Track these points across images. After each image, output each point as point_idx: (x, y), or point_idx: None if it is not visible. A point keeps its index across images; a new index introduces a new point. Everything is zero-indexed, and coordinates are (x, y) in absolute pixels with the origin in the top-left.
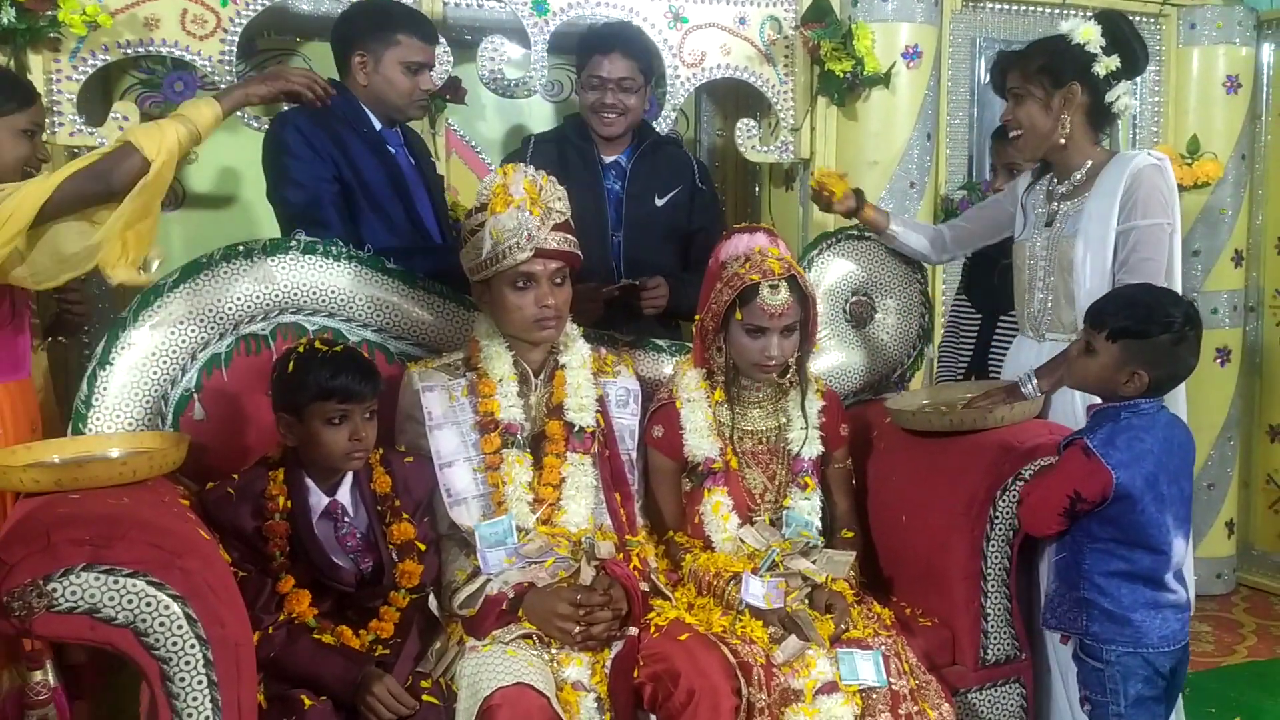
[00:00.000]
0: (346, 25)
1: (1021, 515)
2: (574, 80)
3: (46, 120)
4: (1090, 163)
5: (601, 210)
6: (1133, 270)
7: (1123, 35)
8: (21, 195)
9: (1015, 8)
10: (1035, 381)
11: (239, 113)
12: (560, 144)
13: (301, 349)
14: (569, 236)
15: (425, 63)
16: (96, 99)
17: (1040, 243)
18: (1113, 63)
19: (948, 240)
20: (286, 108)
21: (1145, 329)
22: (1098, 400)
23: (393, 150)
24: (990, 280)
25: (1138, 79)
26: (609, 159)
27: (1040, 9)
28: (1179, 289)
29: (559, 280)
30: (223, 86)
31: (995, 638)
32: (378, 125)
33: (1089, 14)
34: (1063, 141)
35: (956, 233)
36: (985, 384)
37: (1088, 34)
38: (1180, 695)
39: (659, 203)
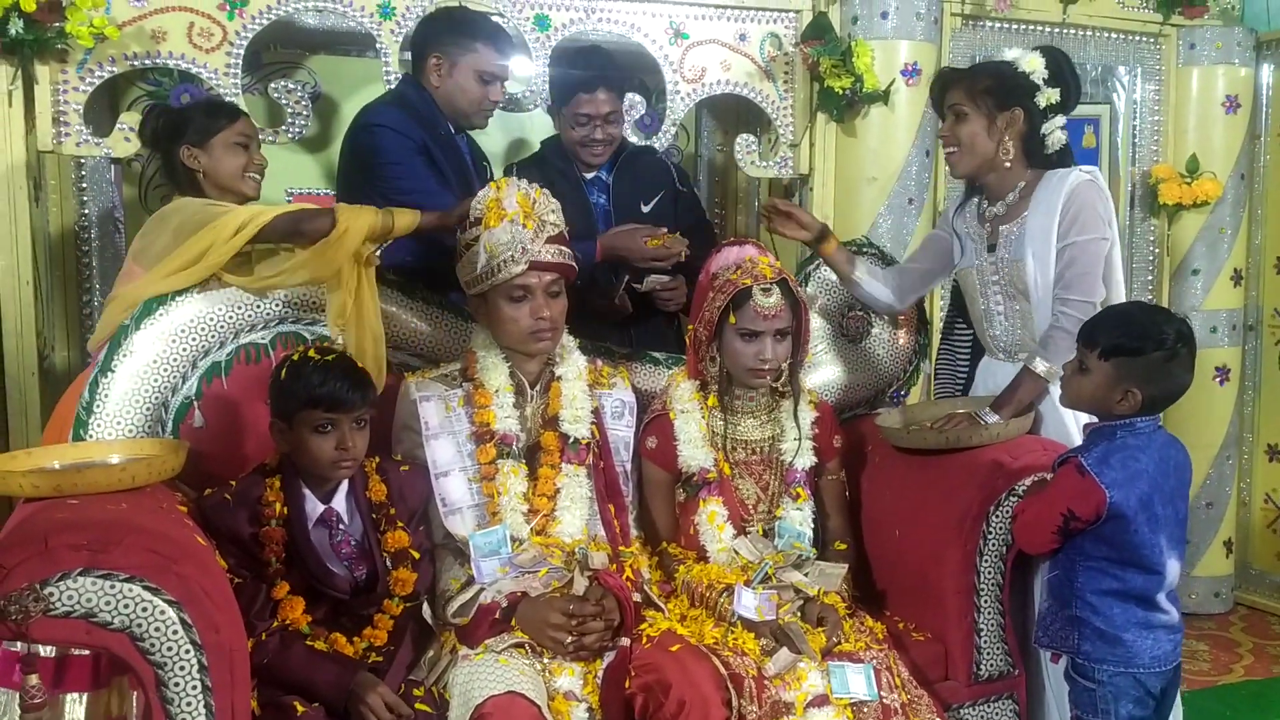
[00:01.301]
0: (428, 26)
1: (1015, 532)
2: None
3: (55, 132)
4: (1023, 183)
5: (591, 225)
6: (1070, 286)
7: (1062, 71)
8: (251, 213)
9: (1014, 26)
10: (994, 417)
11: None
12: (541, 167)
13: (296, 356)
14: (563, 248)
15: (498, 75)
16: (104, 110)
17: (987, 268)
18: (1054, 95)
19: (908, 286)
20: (367, 104)
21: (1138, 346)
22: (1094, 418)
23: (463, 152)
24: None
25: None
26: (590, 175)
27: (1039, 28)
28: (1121, 299)
29: (554, 292)
30: (228, 99)
31: (988, 653)
32: (450, 127)
33: (1035, 48)
34: (1007, 165)
35: (912, 277)
36: (961, 401)
37: (1033, 64)
38: (1172, 715)
39: (645, 210)
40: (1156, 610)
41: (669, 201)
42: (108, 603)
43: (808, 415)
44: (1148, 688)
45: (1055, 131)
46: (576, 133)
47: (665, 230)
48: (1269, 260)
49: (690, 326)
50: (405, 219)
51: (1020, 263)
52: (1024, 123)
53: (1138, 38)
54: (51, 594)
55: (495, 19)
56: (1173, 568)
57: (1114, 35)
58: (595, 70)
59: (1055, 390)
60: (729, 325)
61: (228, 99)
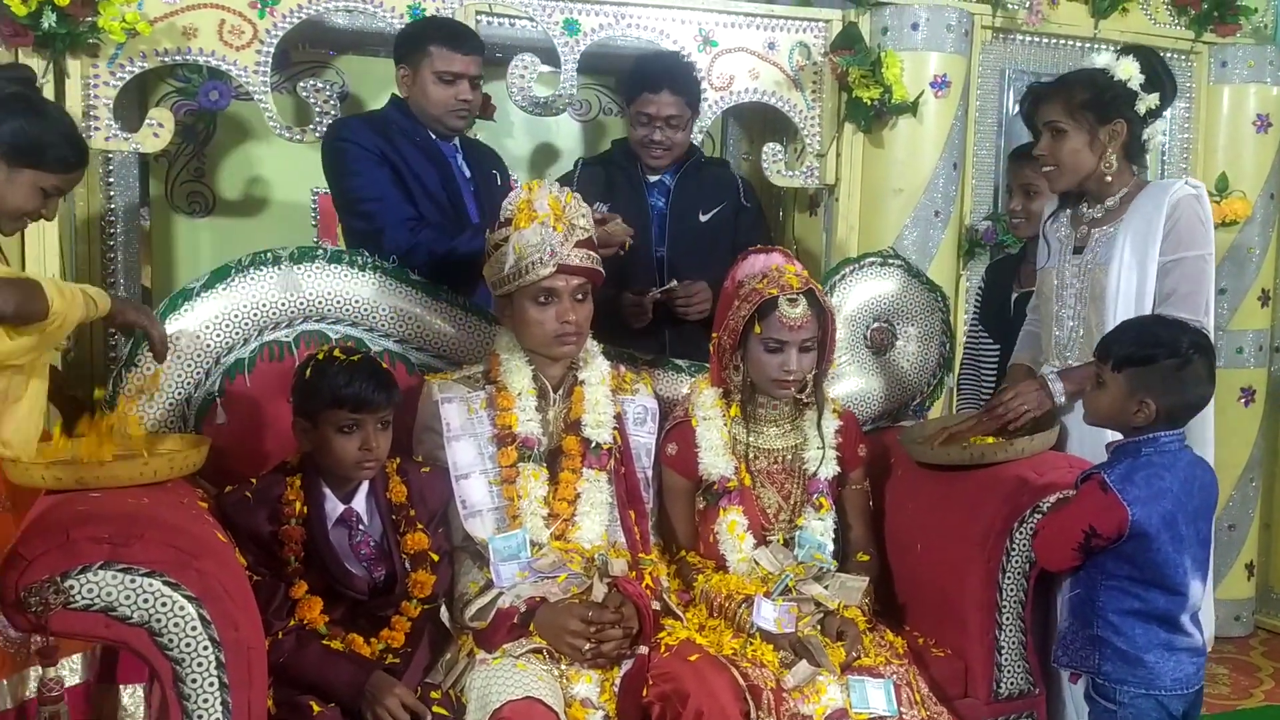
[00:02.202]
0: (396, 42)
1: (1036, 548)
2: (602, 101)
3: (85, 126)
4: (1125, 190)
5: (646, 227)
6: (1180, 303)
7: (1157, 73)
8: None
9: (1045, 40)
10: (1061, 385)
11: (274, 124)
12: (607, 166)
13: (321, 355)
14: (591, 253)
15: (460, 73)
16: (133, 105)
17: (1069, 270)
18: (1152, 100)
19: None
20: (339, 118)
21: (1149, 355)
22: (1119, 436)
23: (448, 158)
24: (1006, 311)
25: (1166, 114)
26: (654, 178)
27: (1071, 43)
28: (1213, 318)
29: (580, 296)
30: (256, 97)
31: (1009, 671)
32: (432, 135)
33: (1118, 49)
34: (1109, 178)
35: (1039, 318)
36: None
37: (1128, 70)
38: None
39: (703, 218)
40: (1180, 632)
41: (729, 214)
42: (127, 597)
43: (831, 424)
44: (1169, 710)
45: (1156, 136)
46: (638, 132)
47: (618, 218)
48: None
49: (714, 335)
50: (104, 303)
51: (1105, 267)
52: (1126, 133)
53: (1169, 54)
54: (71, 587)
55: (524, 23)
56: (1195, 589)
57: None
58: (665, 73)
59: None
60: (754, 335)
61: (256, 97)
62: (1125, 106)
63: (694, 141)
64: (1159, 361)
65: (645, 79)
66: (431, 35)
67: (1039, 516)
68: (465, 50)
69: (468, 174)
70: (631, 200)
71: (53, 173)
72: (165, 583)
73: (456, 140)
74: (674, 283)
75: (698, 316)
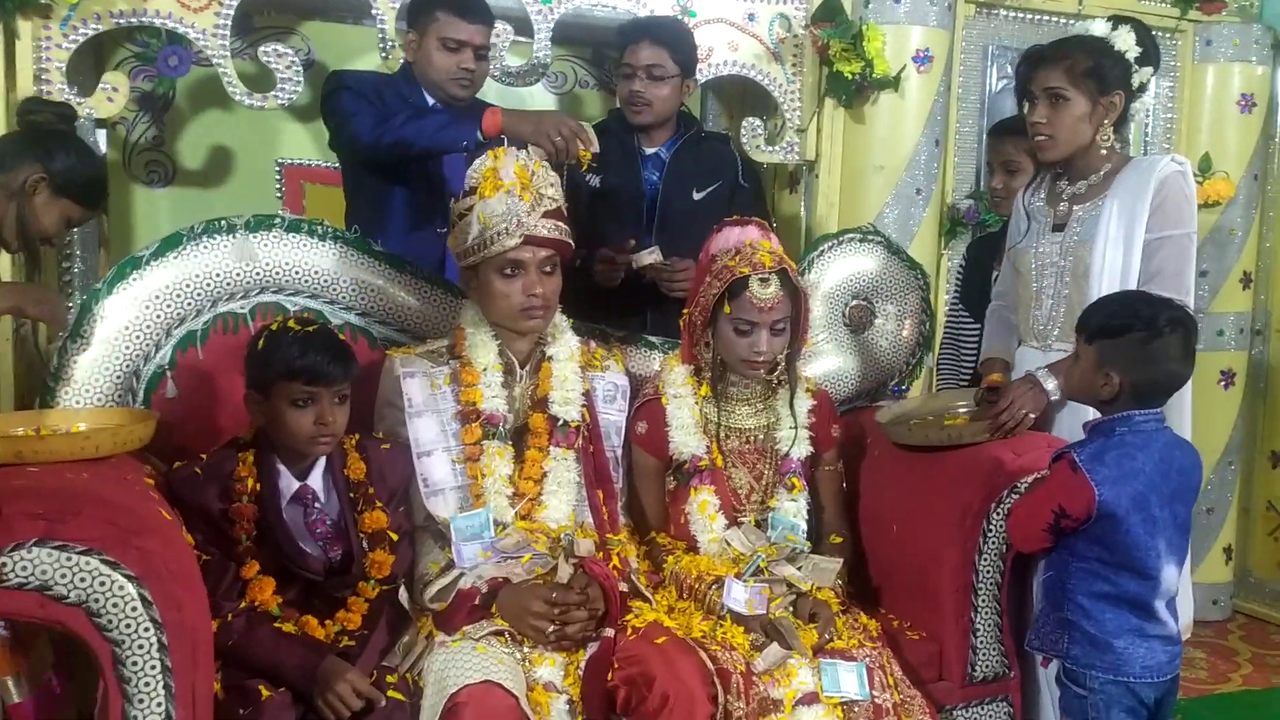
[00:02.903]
0: (409, 6)
1: (1009, 529)
2: (578, 73)
3: (37, 89)
4: (1108, 165)
5: (638, 201)
6: (1167, 282)
7: (1150, 46)
8: None
9: (1029, 16)
10: (1056, 380)
11: (234, 90)
12: (602, 136)
13: (275, 326)
14: (560, 224)
15: (466, 41)
16: (89, 69)
17: (1050, 248)
18: (1146, 74)
19: (1014, 316)
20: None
21: (1120, 325)
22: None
23: None
24: (988, 290)
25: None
26: (650, 150)
27: (1055, 18)
28: (1193, 299)
29: (548, 269)
30: (216, 62)
31: (984, 654)
32: (429, 100)
33: (1109, 19)
34: (1104, 151)
35: (1009, 301)
36: (943, 394)
37: (1127, 42)
38: None
39: (697, 196)
40: (1152, 619)
41: (724, 193)
42: (63, 576)
43: (805, 404)
44: (1140, 698)
45: (1140, 112)
46: (623, 86)
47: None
48: (1279, 263)
49: (685, 311)
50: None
51: (1089, 244)
52: (1122, 106)
53: (1153, 33)
54: (4, 564)
55: None
56: (1169, 574)
57: None
58: (650, 24)
59: None
60: (724, 315)
61: (215, 61)
62: (1124, 79)
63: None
64: (1130, 334)
65: (630, 31)
66: (440, 1)
67: (1016, 497)
68: (471, 19)
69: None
70: (625, 173)
71: (84, 208)
72: (103, 561)
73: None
74: (655, 248)
75: (680, 294)
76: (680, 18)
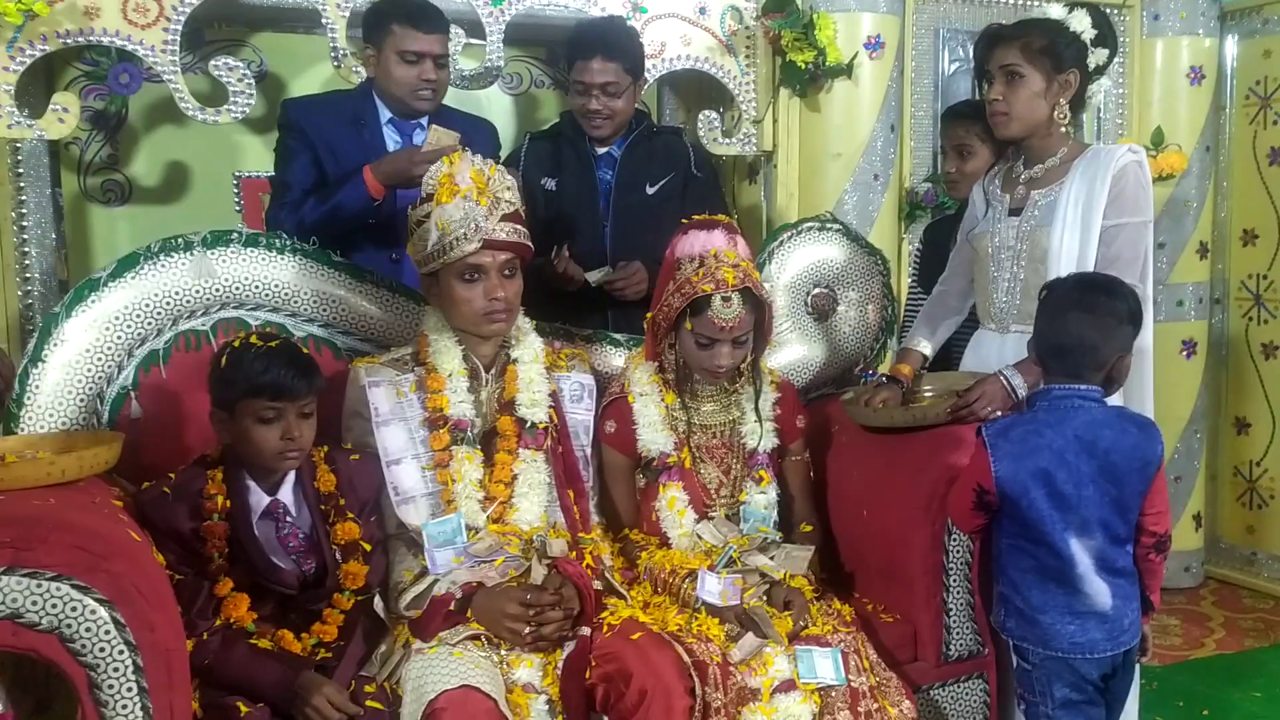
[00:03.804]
0: (362, 21)
1: (948, 510)
2: (534, 74)
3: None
4: (1064, 150)
5: (594, 201)
6: (1123, 266)
7: (1106, 30)
8: None
9: None
10: (1020, 378)
11: (186, 106)
12: (555, 139)
13: (237, 343)
14: (519, 227)
15: (424, 51)
16: (40, 90)
17: (1008, 232)
18: (1101, 56)
19: (954, 306)
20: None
21: (1050, 286)
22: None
23: (392, 140)
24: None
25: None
26: (602, 150)
27: (1004, 0)
28: (1150, 283)
29: (508, 272)
30: (166, 78)
31: (958, 633)
32: (385, 116)
33: (1065, 3)
34: (1063, 130)
35: (955, 288)
36: (945, 375)
37: (1082, 23)
38: (1133, 696)
39: (649, 191)
40: (1079, 595)
41: (677, 186)
42: (34, 603)
43: (769, 397)
44: (1082, 674)
45: (1097, 95)
46: (576, 101)
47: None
48: (1235, 233)
49: (649, 314)
50: None
51: (1047, 229)
52: (1078, 85)
53: (1103, 8)
54: None
55: None
56: (1078, 551)
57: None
58: (599, 39)
59: None
60: (685, 329)
61: (165, 77)
62: (1079, 59)
63: (643, 109)
64: (1041, 298)
65: (579, 46)
66: (393, 14)
67: None
68: (427, 29)
69: None
70: (579, 175)
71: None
72: (74, 586)
73: (426, 120)
74: (607, 269)
75: (634, 297)
76: (631, 14)
